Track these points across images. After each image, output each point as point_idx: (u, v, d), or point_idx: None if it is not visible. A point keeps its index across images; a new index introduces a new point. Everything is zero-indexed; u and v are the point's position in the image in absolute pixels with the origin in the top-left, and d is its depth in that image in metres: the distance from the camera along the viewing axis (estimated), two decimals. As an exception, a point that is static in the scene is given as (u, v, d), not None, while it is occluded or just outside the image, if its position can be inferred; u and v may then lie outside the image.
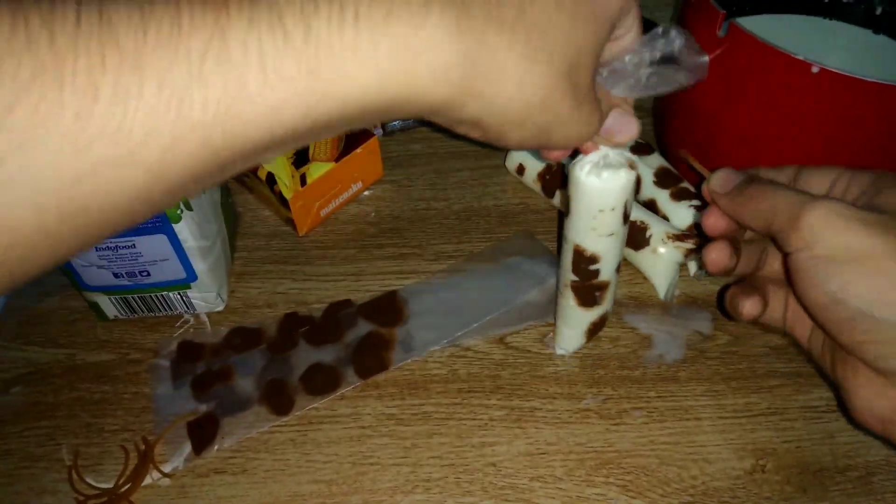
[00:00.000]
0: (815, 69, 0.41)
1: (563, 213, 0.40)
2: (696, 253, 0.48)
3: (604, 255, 0.40)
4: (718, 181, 0.35)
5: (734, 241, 0.36)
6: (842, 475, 0.41)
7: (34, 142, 0.19)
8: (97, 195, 0.20)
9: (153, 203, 0.22)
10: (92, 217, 0.21)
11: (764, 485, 0.41)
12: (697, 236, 0.48)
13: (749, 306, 0.35)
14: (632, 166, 0.36)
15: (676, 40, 0.31)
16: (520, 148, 0.29)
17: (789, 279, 0.33)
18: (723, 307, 0.47)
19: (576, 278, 0.42)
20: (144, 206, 0.22)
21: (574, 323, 0.45)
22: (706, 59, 0.32)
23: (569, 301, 0.44)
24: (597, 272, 0.41)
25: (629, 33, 0.30)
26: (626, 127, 0.33)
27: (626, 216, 0.38)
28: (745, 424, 0.43)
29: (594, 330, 0.46)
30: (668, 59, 0.31)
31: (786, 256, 0.32)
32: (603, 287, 0.42)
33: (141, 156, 0.20)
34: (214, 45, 0.20)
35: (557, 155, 0.35)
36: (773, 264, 0.39)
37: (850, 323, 0.30)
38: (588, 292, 0.43)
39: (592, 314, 0.44)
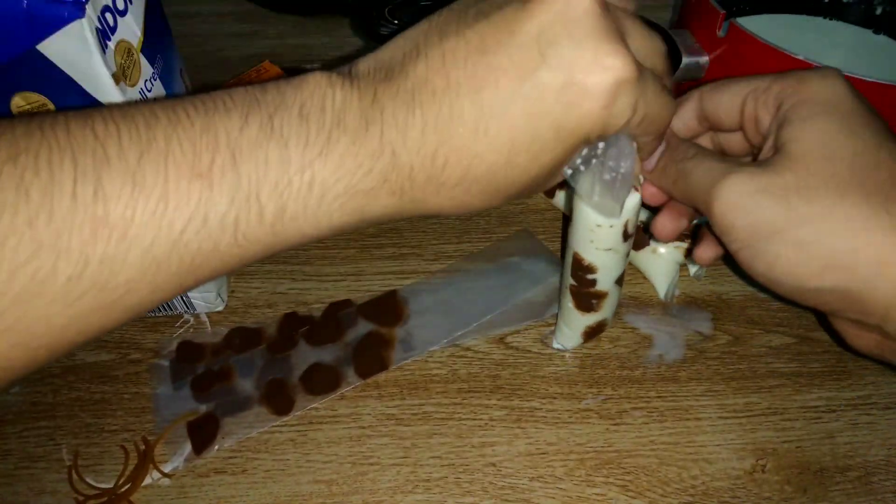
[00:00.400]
0: (815, 69, 0.41)
1: (567, 217, 0.40)
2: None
3: (601, 268, 0.40)
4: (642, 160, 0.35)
5: (679, 204, 0.36)
6: (842, 475, 0.41)
7: (30, 300, 0.22)
8: (82, 334, 0.24)
9: (130, 320, 0.25)
10: (76, 345, 0.24)
11: (764, 485, 0.41)
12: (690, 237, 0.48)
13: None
14: (636, 188, 0.36)
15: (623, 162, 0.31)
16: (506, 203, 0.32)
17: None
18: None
19: (574, 283, 0.42)
20: (121, 324, 0.25)
21: (571, 323, 0.45)
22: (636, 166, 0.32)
23: (567, 302, 0.44)
24: (594, 281, 0.41)
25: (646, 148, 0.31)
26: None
27: (626, 234, 0.38)
28: (745, 424, 0.43)
29: (591, 333, 0.46)
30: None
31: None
32: (600, 296, 0.42)
33: (122, 302, 0.24)
34: (196, 220, 0.23)
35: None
36: None
37: (793, 294, 0.30)
38: (585, 298, 0.43)
39: (589, 319, 0.44)
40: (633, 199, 0.36)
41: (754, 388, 0.45)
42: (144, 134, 0.23)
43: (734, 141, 0.35)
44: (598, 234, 0.38)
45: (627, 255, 0.41)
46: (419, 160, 0.26)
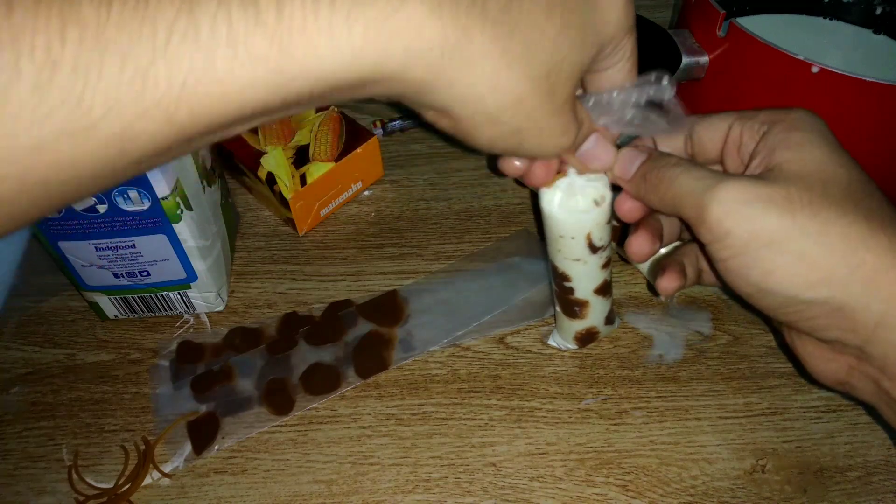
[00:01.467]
0: (815, 69, 0.41)
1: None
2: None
3: (574, 277, 0.40)
4: (620, 167, 0.34)
5: (654, 221, 0.35)
6: (842, 475, 0.41)
7: None
8: (57, 165, 0.20)
9: (117, 174, 0.22)
10: (52, 187, 0.21)
11: (764, 485, 0.41)
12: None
13: (665, 283, 0.35)
14: (597, 202, 0.36)
15: (666, 91, 0.30)
16: (490, 149, 0.28)
17: (713, 268, 0.33)
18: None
19: (556, 288, 0.42)
20: (108, 177, 0.21)
21: (562, 326, 0.46)
22: (689, 117, 0.32)
23: (557, 307, 0.44)
24: (572, 290, 0.41)
25: (618, 69, 0.30)
26: (603, 155, 0.33)
27: (592, 246, 0.38)
28: (745, 424, 0.43)
29: (583, 339, 0.46)
30: (654, 105, 0.31)
31: (702, 247, 0.32)
32: (581, 304, 0.42)
33: (101, 130, 0.20)
34: (182, 21, 0.20)
35: (538, 177, 0.34)
36: None
37: (778, 307, 0.30)
38: (567, 304, 0.43)
39: (577, 325, 0.45)
40: (594, 213, 0.36)
41: (754, 388, 0.45)
42: None
43: None
44: (562, 244, 0.38)
45: (606, 266, 0.40)
46: None
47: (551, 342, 0.47)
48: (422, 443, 0.43)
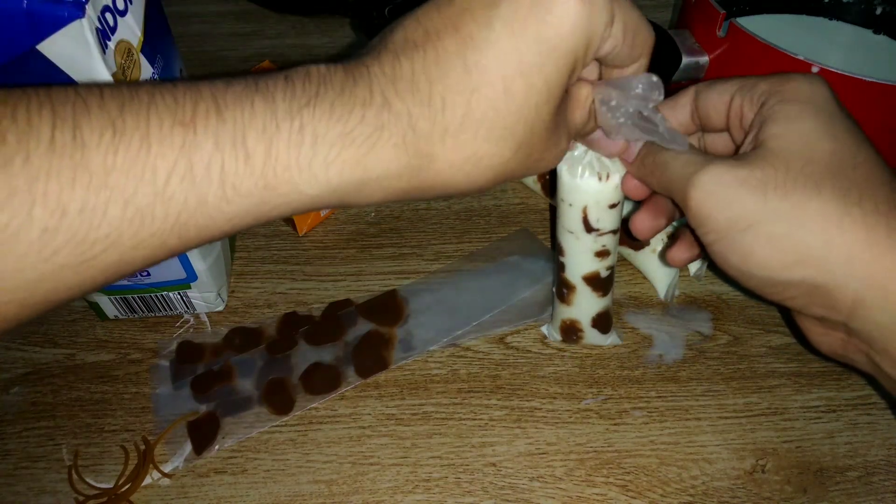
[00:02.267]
0: (815, 69, 0.41)
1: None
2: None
3: (567, 251, 0.41)
4: (625, 149, 0.34)
5: (660, 200, 0.36)
6: (842, 475, 0.41)
7: (2, 251, 0.20)
8: (57, 290, 0.22)
9: (108, 284, 0.24)
10: (51, 303, 0.23)
11: (764, 485, 0.41)
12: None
13: (674, 252, 0.36)
14: (601, 177, 0.36)
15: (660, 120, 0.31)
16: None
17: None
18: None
19: (555, 263, 0.43)
20: (98, 288, 0.24)
21: (554, 312, 0.46)
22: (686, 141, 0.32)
23: (554, 286, 0.45)
24: (563, 266, 0.42)
25: (617, 58, 0.29)
26: (608, 146, 0.34)
27: (587, 223, 0.38)
28: (745, 424, 0.43)
29: (566, 331, 0.46)
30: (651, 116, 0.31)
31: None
32: (569, 287, 0.43)
33: (100, 260, 0.22)
34: (180, 166, 0.22)
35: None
36: None
37: (763, 287, 0.30)
38: (559, 283, 0.44)
39: (563, 312, 0.45)
40: (595, 186, 0.37)
41: (754, 388, 0.45)
42: (126, 92, 0.23)
43: (720, 143, 0.36)
44: (562, 210, 0.39)
45: (601, 255, 0.41)
46: (416, 105, 0.25)
47: (543, 329, 0.48)
48: (422, 443, 0.43)
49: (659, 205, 0.36)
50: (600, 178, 0.36)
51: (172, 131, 0.22)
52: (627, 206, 0.45)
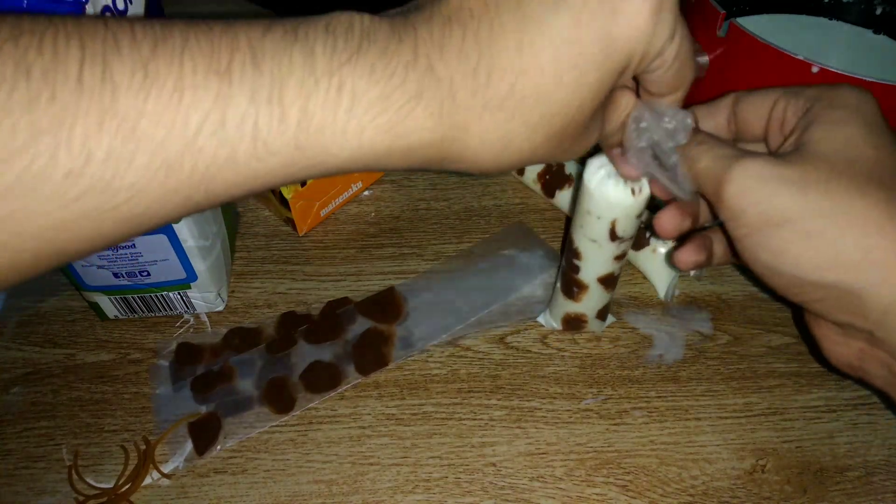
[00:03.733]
0: (815, 69, 0.41)
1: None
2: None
3: (585, 257, 0.41)
4: None
5: (688, 203, 0.35)
6: (842, 475, 0.41)
7: (24, 194, 0.19)
8: (74, 241, 0.21)
9: (123, 240, 0.23)
10: (64, 256, 0.22)
11: (764, 485, 0.41)
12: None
13: (682, 255, 0.35)
14: (634, 193, 0.36)
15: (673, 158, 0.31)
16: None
17: (732, 249, 0.33)
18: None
19: (564, 263, 0.43)
20: (115, 243, 0.23)
21: (555, 303, 0.46)
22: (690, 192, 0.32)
23: (557, 282, 0.45)
24: (577, 269, 0.42)
25: (658, 76, 0.28)
26: (624, 167, 0.34)
27: (613, 233, 0.38)
28: (745, 424, 0.43)
29: (569, 323, 0.47)
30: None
31: (722, 226, 0.32)
32: (581, 286, 0.43)
33: (122, 210, 0.21)
34: (212, 119, 0.21)
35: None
36: None
37: (790, 287, 0.30)
38: (569, 283, 0.44)
39: (569, 306, 0.45)
40: (628, 201, 0.36)
41: (754, 388, 0.45)
42: (159, 30, 0.21)
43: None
44: (587, 221, 0.39)
45: (619, 258, 0.41)
46: (459, 74, 0.24)
47: (540, 319, 0.48)
48: (422, 443, 0.43)
49: (687, 205, 0.35)
50: (634, 193, 0.36)
51: (207, 80, 0.21)
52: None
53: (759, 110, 0.33)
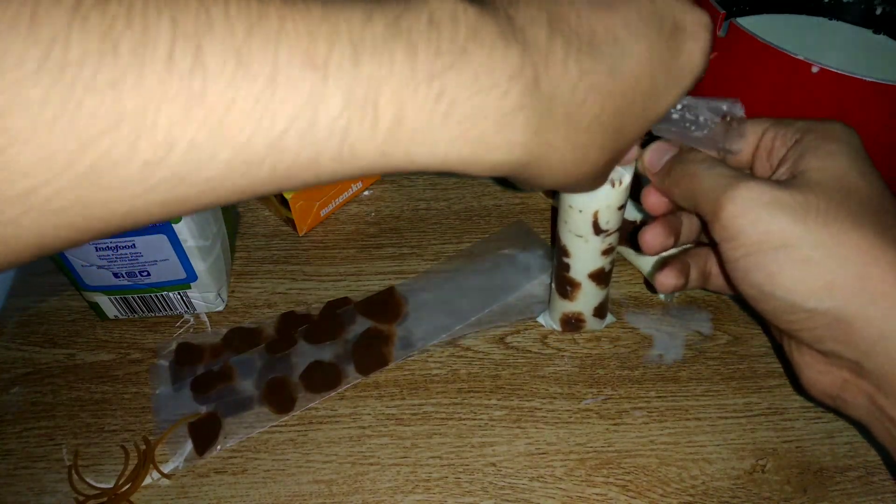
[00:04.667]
0: (815, 69, 0.41)
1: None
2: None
3: (573, 254, 0.41)
4: (649, 158, 0.34)
5: (673, 219, 0.36)
6: (842, 475, 0.41)
7: (96, 182, 0.18)
8: (137, 223, 0.20)
9: (179, 214, 0.21)
10: (116, 231, 0.20)
11: (764, 485, 0.41)
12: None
13: (663, 278, 0.36)
14: (613, 183, 0.36)
15: (738, 111, 0.32)
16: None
17: (723, 270, 0.33)
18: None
19: (555, 262, 0.43)
20: (171, 216, 0.21)
21: (553, 305, 0.46)
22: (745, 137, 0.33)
23: (552, 283, 0.45)
24: (568, 266, 0.42)
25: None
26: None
27: (597, 226, 0.38)
28: (745, 424, 0.43)
29: (568, 323, 0.47)
30: (714, 121, 0.32)
31: (714, 246, 0.32)
32: (573, 285, 0.43)
33: (192, 202, 0.20)
34: (303, 118, 0.20)
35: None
36: None
37: (780, 313, 0.30)
38: (561, 282, 0.44)
39: (565, 306, 0.45)
40: (607, 192, 0.36)
41: (754, 388, 0.45)
42: (255, 7, 0.19)
43: None
44: (570, 216, 0.39)
45: (606, 253, 0.41)
46: (560, 91, 0.23)
47: (540, 319, 0.48)
48: (422, 443, 0.43)
49: (671, 223, 0.36)
50: (613, 185, 0.36)
51: (303, 74, 0.19)
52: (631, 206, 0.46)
53: (748, 138, 0.34)
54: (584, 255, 0.41)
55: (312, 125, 0.20)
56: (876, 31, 0.56)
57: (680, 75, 0.27)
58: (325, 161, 0.21)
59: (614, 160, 0.28)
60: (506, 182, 0.58)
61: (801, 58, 0.41)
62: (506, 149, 0.23)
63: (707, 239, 0.37)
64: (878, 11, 0.55)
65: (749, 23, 0.49)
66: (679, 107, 0.31)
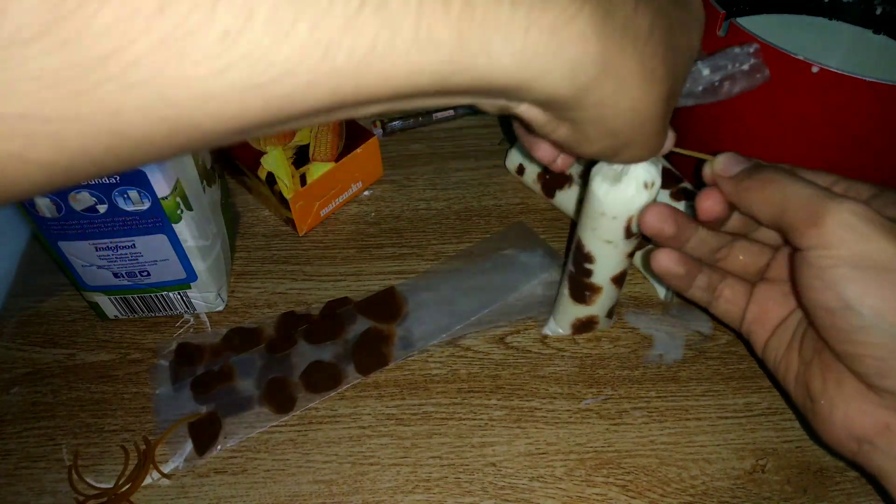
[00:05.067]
0: (815, 69, 0.41)
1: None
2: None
3: (599, 259, 0.40)
4: (723, 164, 0.34)
5: (688, 231, 0.37)
6: (842, 475, 0.41)
7: (171, 55, 0.17)
8: (212, 118, 0.18)
9: (250, 133, 0.20)
10: (194, 138, 0.19)
11: (764, 485, 0.41)
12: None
13: (662, 258, 0.36)
14: (647, 186, 0.36)
15: (752, 54, 0.33)
16: (585, 156, 0.30)
17: (792, 275, 0.33)
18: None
19: (573, 269, 0.42)
20: (243, 135, 0.20)
21: (564, 311, 0.46)
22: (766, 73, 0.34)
23: (564, 289, 0.44)
24: (590, 272, 0.41)
25: None
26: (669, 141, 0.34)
27: (629, 230, 0.38)
28: (745, 424, 0.43)
29: (580, 327, 0.46)
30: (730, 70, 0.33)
31: (794, 252, 0.32)
32: (594, 289, 0.42)
33: (268, 91, 0.18)
34: None
35: (561, 164, 0.35)
36: (740, 257, 0.39)
37: (856, 333, 0.30)
38: (580, 288, 0.43)
39: (580, 311, 0.45)
40: (643, 195, 0.36)
41: (754, 388, 0.45)
42: None
43: (768, 235, 0.38)
44: (600, 223, 0.38)
45: (631, 255, 0.41)
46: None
47: (546, 331, 0.48)
48: (422, 443, 0.43)
49: (685, 235, 0.37)
50: (646, 187, 0.36)
51: None
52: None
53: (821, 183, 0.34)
54: (611, 260, 0.40)
55: (387, 3, 0.18)
56: (876, 31, 0.56)
57: (699, 16, 0.28)
58: (402, 45, 0.19)
59: (674, 92, 0.27)
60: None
61: (801, 58, 0.41)
62: (579, 42, 0.22)
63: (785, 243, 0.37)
64: (878, 11, 0.55)
65: (749, 23, 0.49)
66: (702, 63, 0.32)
